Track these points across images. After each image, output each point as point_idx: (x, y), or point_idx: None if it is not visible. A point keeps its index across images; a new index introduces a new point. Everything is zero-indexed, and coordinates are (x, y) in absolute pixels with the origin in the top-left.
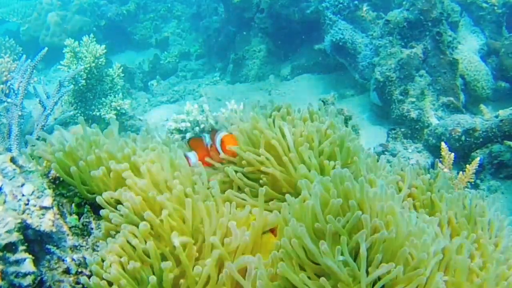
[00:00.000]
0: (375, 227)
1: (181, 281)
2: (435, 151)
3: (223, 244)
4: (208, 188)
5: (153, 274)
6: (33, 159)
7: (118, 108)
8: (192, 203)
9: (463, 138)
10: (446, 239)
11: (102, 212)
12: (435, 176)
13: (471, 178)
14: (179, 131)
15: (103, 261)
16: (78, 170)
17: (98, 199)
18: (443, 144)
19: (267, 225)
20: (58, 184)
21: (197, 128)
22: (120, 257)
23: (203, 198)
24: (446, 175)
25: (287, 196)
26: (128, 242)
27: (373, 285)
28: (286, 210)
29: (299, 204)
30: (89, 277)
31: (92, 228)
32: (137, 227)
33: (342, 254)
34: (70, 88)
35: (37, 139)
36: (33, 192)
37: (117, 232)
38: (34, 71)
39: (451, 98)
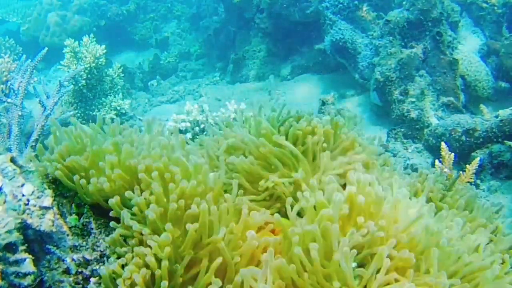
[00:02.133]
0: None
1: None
2: (435, 151)
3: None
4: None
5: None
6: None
7: (118, 108)
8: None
9: (463, 138)
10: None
11: (123, 212)
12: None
13: (471, 178)
14: (179, 131)
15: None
16: (79, 179)
17: (111, 203)
18: (443, 144)
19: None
20: (58, 184)
21: (197, 128)
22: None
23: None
24: (471, 188)
25: (306, 192)
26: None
27: None
28: (293, 214)
29: (311, 210)
30: (89, 277)
31: (92, 228)
32: (158, 234)
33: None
34: (70, 88)
35: (37, 139)
36: (33, 192)
37: (128, 236)
38: (34, 71)
39: (451, 98)
